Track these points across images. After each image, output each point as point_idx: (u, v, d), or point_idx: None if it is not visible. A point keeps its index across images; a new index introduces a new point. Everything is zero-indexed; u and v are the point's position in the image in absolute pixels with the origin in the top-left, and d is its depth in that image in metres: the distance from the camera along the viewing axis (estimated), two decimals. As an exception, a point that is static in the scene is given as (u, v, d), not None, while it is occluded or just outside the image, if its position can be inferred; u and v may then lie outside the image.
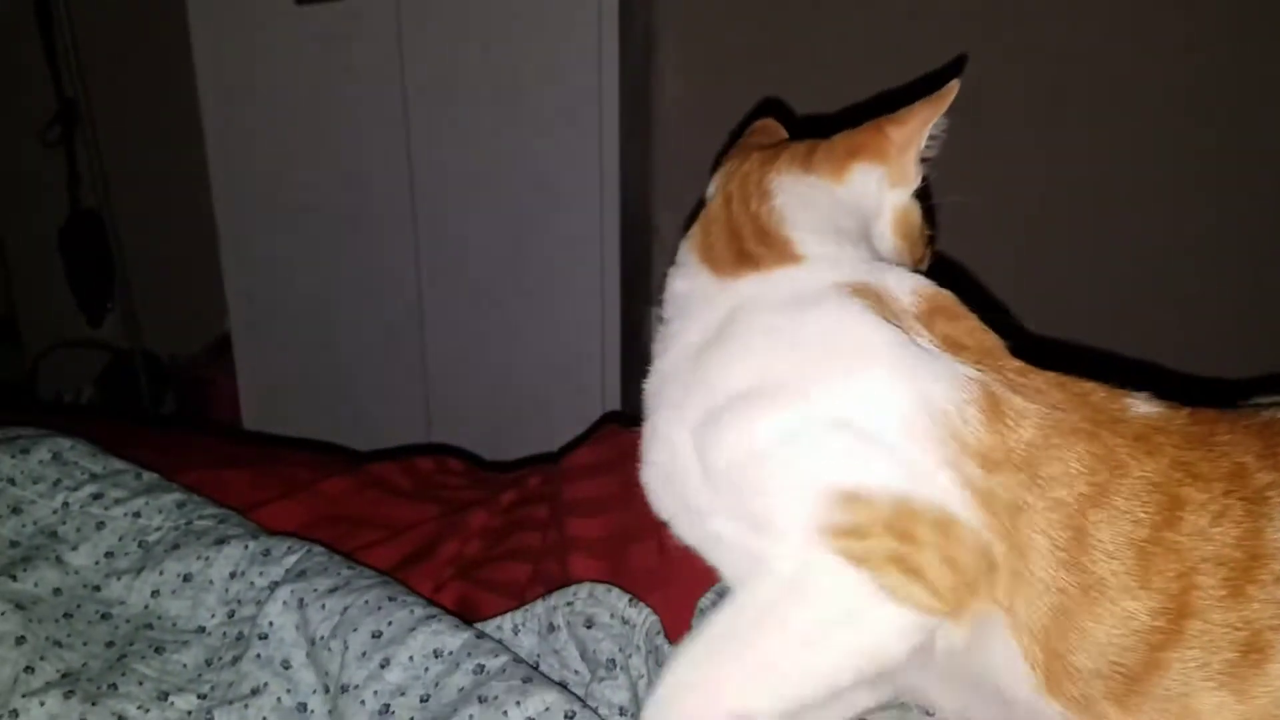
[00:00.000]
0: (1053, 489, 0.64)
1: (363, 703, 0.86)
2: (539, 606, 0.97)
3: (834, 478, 0.65)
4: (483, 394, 2.08)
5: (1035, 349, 0.72)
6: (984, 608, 0.65)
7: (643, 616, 0.90)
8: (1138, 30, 1.93)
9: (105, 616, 1.00)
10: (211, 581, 1.01)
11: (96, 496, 1.09)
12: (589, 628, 0.92)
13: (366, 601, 0.93)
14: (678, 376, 0.74)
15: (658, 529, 0.78)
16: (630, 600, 0.92)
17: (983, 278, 1.46)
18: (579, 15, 1.78)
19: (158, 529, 1.06)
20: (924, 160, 0.81)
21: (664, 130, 2.15)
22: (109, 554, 1.05)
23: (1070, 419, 0.66)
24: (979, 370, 0.67)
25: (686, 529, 0.75)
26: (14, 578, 1.00)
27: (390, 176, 1.94)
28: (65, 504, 1.08)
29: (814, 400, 0.67)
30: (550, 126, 1.87)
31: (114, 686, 0.91)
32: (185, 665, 0.95)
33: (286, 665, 0.93)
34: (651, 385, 0.76)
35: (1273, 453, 0.64)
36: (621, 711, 0.85)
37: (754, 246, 0.76)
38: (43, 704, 0.88)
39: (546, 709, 0.80)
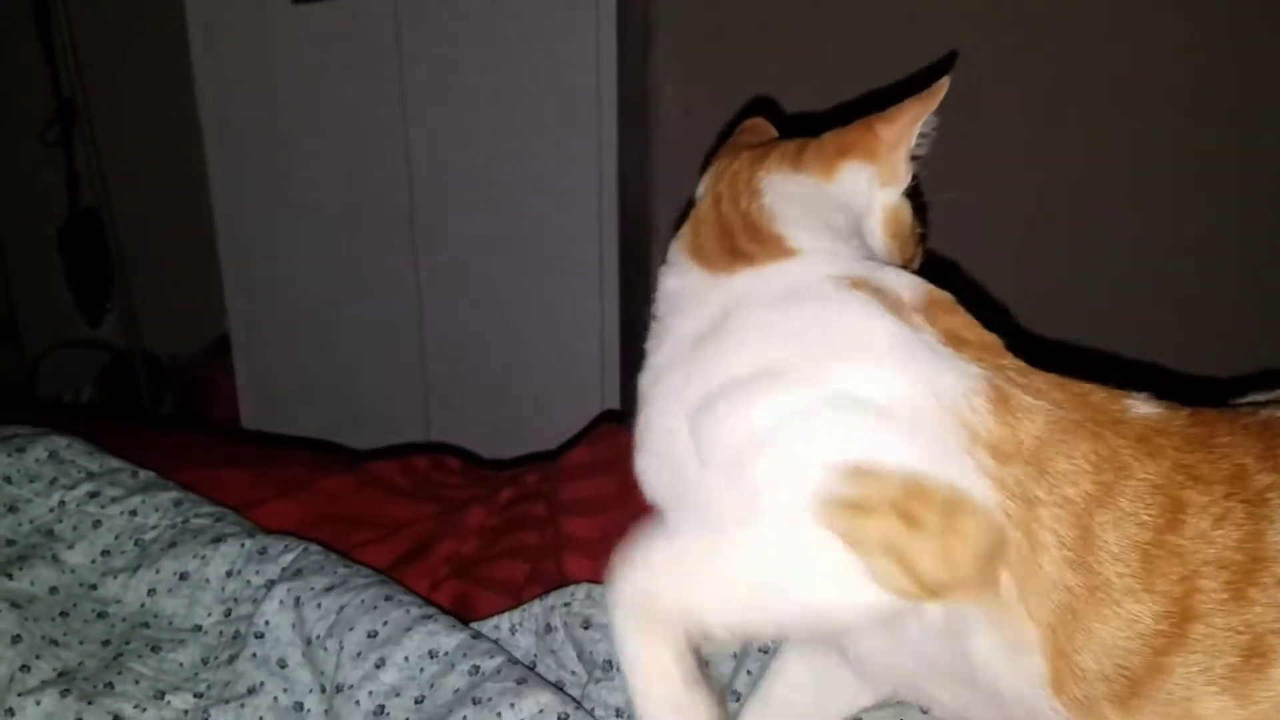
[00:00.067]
0: (1061, 486, 0.63)
1: (357, 703, 0.86)
2: (536, 607, 0.96)
3: (841, 452, 0.64)
4: (482, 393, 2.08)
5: (1032, 349, 0.71)
6: (976, 594, 0.64)
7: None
8: (1138, 30, 1.93)
9: (101, 615, 1.00)
10: (208, 580, 1.01)
11: (93, 495, 1.09)
12: (586, 628, 0.92)
13: (363, 601, 0.92)
14: (673, 368, 0.73)
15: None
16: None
17: (982, 278, 1.45)
18: (577, 14, 1.78)
19: (154, 527, 1.06)
20: (914, 158, 0.81)
21: (662, 129, 2.15)
22: (105, 552, 1.05)
23: (1073, 418, 0.65)
24: (981, 366, 0.67)
25: (681, 517, 0.74)
26: (10, 576, 1.00)
27: (389, 176, 1.94)
28: (62, 502, 1.08)
29: (817, 383, 0.66)
30: (549, 126, 1.87)
31: (110, 685, 0.91)
32: (181, 664, 0.95)
33: (283, 664, 0.93)
34: (646, 379, 0.76)
35: (1272, 454, 0.64)
36: (618, 713, 0.85)
37: (746, 243, 0.75)
38: (39, 703, 0.88)
39: (540, 711, 0.80)
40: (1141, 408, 0.67)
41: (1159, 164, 2.00)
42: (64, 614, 0.99)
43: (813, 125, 0.85)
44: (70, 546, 1.05)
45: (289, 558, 1.01)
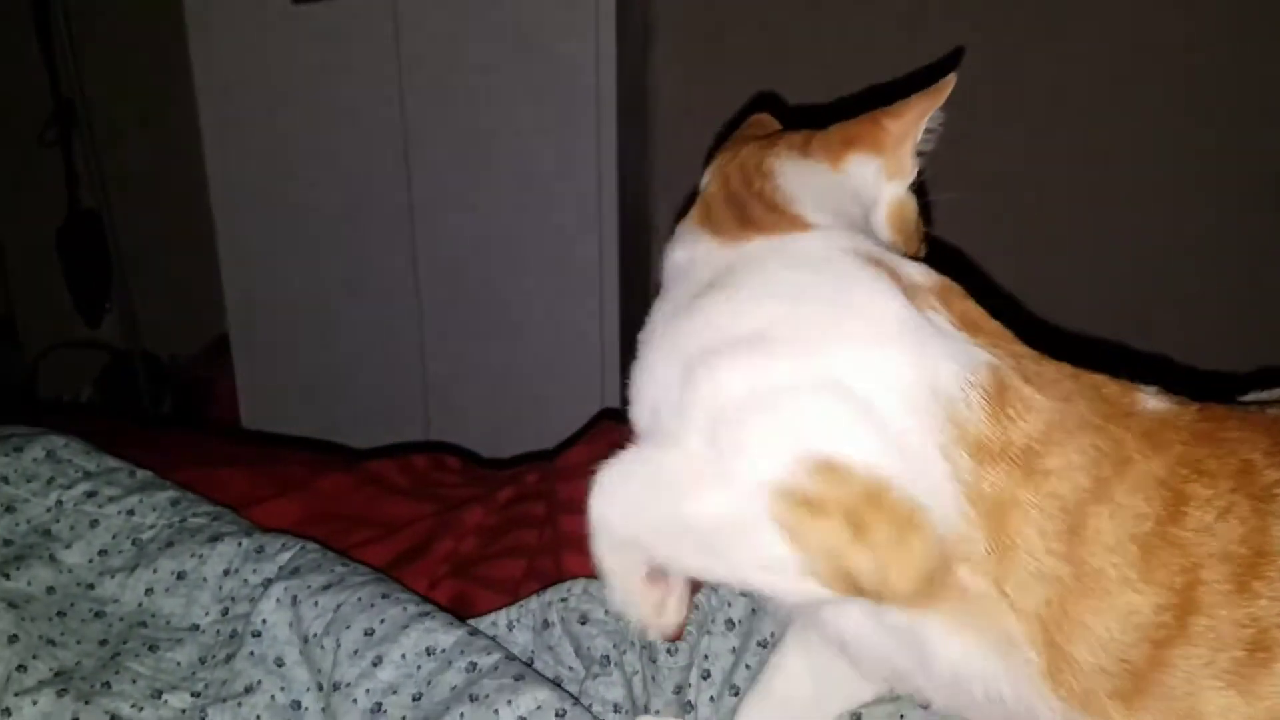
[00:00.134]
0: (1050, 483, 0.63)
1: (355, 701, 0.86)
2: (533, 602, 0.96)
3: (815, 442, 0.63)
4: (481, 392, 2.08)
5: (1043, 337, 0.71)
6: (921, 605, 0.64)
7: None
8: (1138, 30, 1.93)
9: (99, 614, 1.00)
10: (205, 579, 1.01)
11: (90, 494, 1.08)
12: (583, 624, 0.92)
13: (359, 599, 0.92)
14: (673, 319, 0.72)
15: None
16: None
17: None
18: (577, 14, 1.77)
19: (151, 527, 1.06)
20: (920, 154, 0.81)
21: (662, 128, 2.15)
22: (103, 552, 1.05)
23: (1078, 410, 0.65)
24: (993, 354, 0.66)
25: (656, 449, 0.73)
26: (7, 576, 1.00)
27: (388, 175, 1.94)
28: (59, 502, 1.08)
29: (813, 359, 0.65)
30: (548, 126, 1.86)
31: (107, 685, 0.91)
32: (179, 663, 0.95)
33: (280, 663, 0.92)
34: (645, 332, 0.74)
35: None
36: (616, 708, 0.85)
37: (761, 213, 0.75)
38: (35, 703, 0.88)
39: (538, 707, 0.80)
40: (1151, 401, 0.67)
41: (1159, 164, 2.00)
42: (61, 614, 0.99)
43: (816, 119, 0.85)
44: (67, 546, 1.05)
45: (286, 556, 1.01)
